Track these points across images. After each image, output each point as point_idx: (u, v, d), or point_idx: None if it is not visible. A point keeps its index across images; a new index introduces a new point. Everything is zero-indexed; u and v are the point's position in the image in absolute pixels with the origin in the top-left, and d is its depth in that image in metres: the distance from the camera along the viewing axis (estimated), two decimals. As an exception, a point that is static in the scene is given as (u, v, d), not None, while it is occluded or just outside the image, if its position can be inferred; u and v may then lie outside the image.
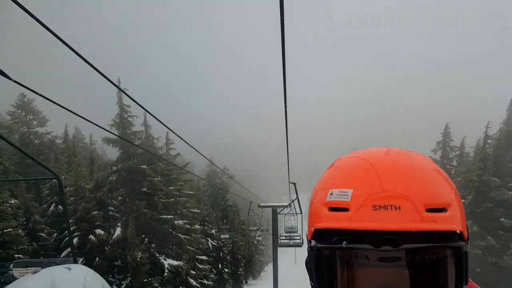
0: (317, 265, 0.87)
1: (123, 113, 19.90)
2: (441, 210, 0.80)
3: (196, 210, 26.93)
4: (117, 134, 19.23)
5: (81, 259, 7.36)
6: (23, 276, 6.37)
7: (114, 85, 4.82)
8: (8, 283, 6.20)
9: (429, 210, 0.78)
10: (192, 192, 27.89)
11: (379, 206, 0.78)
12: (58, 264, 6.53)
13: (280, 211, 18.53)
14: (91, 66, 4.14)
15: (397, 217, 0.77)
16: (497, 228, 18.07)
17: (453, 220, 0.81)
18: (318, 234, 0.88)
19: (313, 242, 0.87)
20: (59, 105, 4.63)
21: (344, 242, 0.79)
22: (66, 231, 8.20)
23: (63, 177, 18.23)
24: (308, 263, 0.91)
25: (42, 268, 6.24)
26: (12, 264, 6.87)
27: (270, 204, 18.56)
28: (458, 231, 0.81)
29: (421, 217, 0.77)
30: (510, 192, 18.16)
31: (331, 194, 0.87)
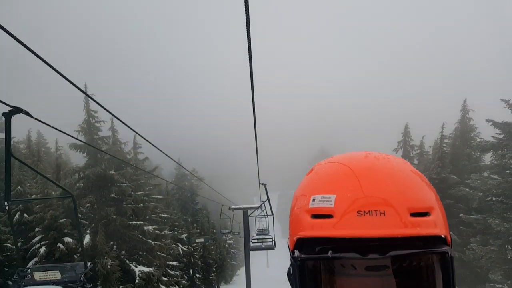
0: (301, 276, 0.83)
1: (90, 119, 19.65)
2: (425, 214, 0.80)
3: (165, 215, 26.80)
4: (84, 139, 18.99)
5: (89, 263, 8.10)
6: (43, 279, 7.17)
7: (80, 90, 4.82)
8: (29, 285, 7.13)
9: (413, 214, 0.78)
10: (161, 197, 27.73)
11: (364, 212, 0.77)
12: (71, 268, 7.49)
13: (251, 213, 18.73)
14: (56, 71, 4.00)
15: (383, 223, 0.76)
16: (458, 223, 18.87)
17: (437, 225, 0.80)
18: (301, 243, 0.85)
19: (296, 253, 0.84)
20: (27, 113, 4.66)
21: (329, 252, 0.77)
22: (80, 244, 9.20)
23: (28, 184, 17.78)
24: (291, 275, 0.88)
25: (60, 272, 7.18)
26: (30, 269, 7.50)
27: (241, 206, 18.66)
28: (442, 236, 0.81)
29: (406, 222, 0.77)
30: (467, 189, 18.96)
31: (313, 200, 0.85)
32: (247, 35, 3.53)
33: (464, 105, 23.76)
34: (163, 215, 26.09)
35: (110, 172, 19.69)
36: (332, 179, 0.87)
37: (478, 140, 21.82)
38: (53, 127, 5.21)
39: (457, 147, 22.77)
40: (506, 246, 14.81)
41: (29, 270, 7.49)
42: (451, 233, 0.87)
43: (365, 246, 0.76)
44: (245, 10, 3.13)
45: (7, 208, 5.40)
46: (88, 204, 19.31)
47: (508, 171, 16.08)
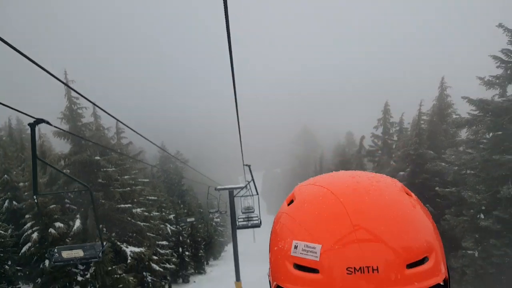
0: None
1: (72, 106, 19.51)
2: (423, 261, 0.73)
3: (152, 197, 27.14)
4: (68, 126, 18.98)
5: (105, 243, 9.15)
6: (70, 256, 8.54)
7: (57, 79, 4.99)
8: (58, 262, 8.49)
9: (410, 265, 0.72)
10: (147, 180, 27.96)
11: (354, 268, 0.69)
12: (91, 247, 8.77)
13: (237, 193, 19.21)
14: (31, 61, 4.12)
15: (376, 282, 0.68)
16: (434, 196, 19.56)
17: (436, 270, 0.74)
18: None
19: None
20: (48, 123, 5.18)
21: None
22: (98, 232, 10.35)
23: (14, 172, 17.77)
24: None
25: (82, 250, 8.49)
26: (57, 249, 8.73)
27: (226, 186, 19.08)
28: (441, 283, 0.76)
29: (402, 278, 0.70)
30: (443, 163, 19.55)
31: (296, 247, 0.77)
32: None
33: (442, 82, 24.17)
34: (150, 198, 26.44)
35: (96, 158, 19.79)
36: (317, 217, 0.78)
37: (454, 116, 22.51)
38: (68, 132, 5.48)
39: (434, 123, 23.27)
40: (478, 216, 15.68)
41: (55, 250, 8.75)
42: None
43: None
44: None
45: (36, 200, 6.48)
46: (75, 190, 19.47)
47: (481, 146, 16.79)
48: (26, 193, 16.44)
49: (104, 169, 20.30)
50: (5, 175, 16.87)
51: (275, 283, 0.81)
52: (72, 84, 18.49)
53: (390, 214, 0.75)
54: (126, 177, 22.40)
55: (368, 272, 0.68)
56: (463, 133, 20.53)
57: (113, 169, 20.96)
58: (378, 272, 0.68)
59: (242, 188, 18.63)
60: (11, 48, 3.59)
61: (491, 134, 16.66)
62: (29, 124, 5.14)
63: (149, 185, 29.02)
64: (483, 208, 15.81)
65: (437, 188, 18.72)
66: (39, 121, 5.06)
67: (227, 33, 3.67)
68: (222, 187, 18.77)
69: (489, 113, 16.34)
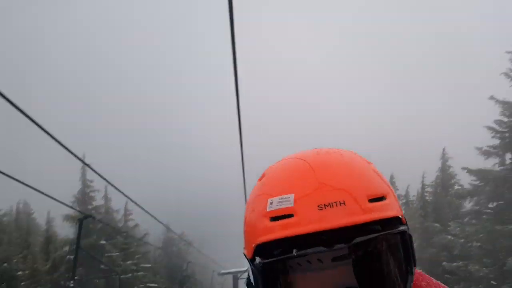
0: (266, 283, 0.81)
1: (85, 189, 19.87)
2: (381, 198, 0.83)
3: (153, 285, 25.99)
4: (79, 210, 19.10)
5: None
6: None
7: (81, 160, 5.38)
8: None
9: (371, 200, 0.80)
10: (149, 265, 27.14)
11: (324, 205, 0.78)
12: None
13: (241, 275, 18.40)
14: (56, 141, 4.27)
15: (344, 212, 0.77)
16: (443, 272, 18.52)
17: (393, 207, 0.84)
18: (261, 250, 0.82)
19: (257, 259, 0.81)
20: (94, 217, 5.73)
21: (294, 250, 0.75)
22: None
23: (15, 260, 17.38)
24: (252, 284, 0.85)
25: None
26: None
27: (230, 270, 18.37)
28: (399, 216, 0.85)
29: (366, 208, 0.79)
30: (449, 236, 18.93)
31: (271, 203, 0.83)
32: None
33: (443, 153, 24.19)
34: (150, 285, 25.36)
35: (101, 242, 19.61)
36: (288, 177, 0.86)
37: (456, 187, 22.27)
38: (110, 226, 5.91)
39: (438, 195, 23.01)
40: (488, 292, 14.75)
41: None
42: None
43: (327, 239, 0.76)
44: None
45: (72, 285, 7.11)
46: (76, 277, 18.90)
47: (484, 217, 16.44)
48: (22, 283, 15.83)
49: (108, 254, 19.97)
50: (5, 264, 16.36)
51: (253, 244, 0.83)
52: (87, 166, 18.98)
53: (351, 168, 0.86)
54: (128, 262, 21.90)
55: (336, 206, 0.77)
56: (468, 204, 20.17)
57: (117, 254, 20.63)
58: (345, 204, 0.77)
59: (245, 271, 17.95)
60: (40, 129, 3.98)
61: (495, 204, 16.33)
62: (78, 219, 5.87)
63: (150, 270, 28.04)
64: (493, 282, 14.92)
65: (444, 263, 17.89)
66: (87, 216, 5.86)
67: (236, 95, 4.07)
68: (226, 271, 18.09)
69: (489, 183, 16.23)
